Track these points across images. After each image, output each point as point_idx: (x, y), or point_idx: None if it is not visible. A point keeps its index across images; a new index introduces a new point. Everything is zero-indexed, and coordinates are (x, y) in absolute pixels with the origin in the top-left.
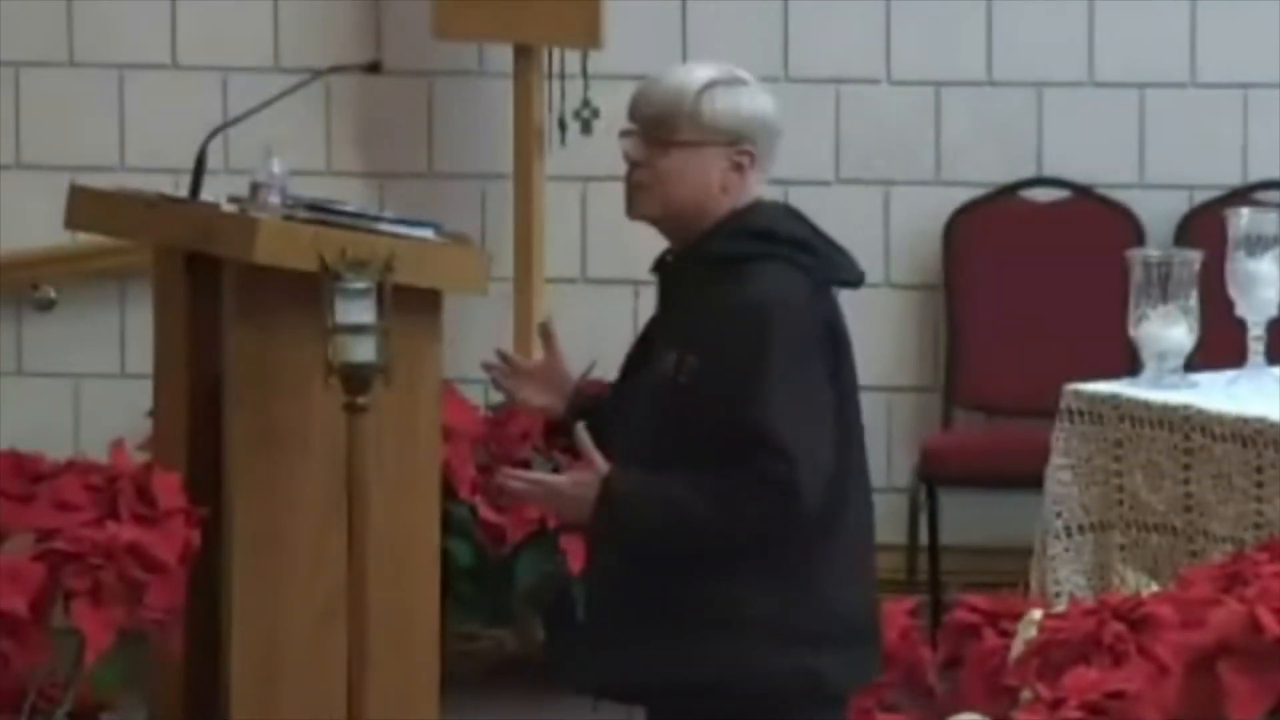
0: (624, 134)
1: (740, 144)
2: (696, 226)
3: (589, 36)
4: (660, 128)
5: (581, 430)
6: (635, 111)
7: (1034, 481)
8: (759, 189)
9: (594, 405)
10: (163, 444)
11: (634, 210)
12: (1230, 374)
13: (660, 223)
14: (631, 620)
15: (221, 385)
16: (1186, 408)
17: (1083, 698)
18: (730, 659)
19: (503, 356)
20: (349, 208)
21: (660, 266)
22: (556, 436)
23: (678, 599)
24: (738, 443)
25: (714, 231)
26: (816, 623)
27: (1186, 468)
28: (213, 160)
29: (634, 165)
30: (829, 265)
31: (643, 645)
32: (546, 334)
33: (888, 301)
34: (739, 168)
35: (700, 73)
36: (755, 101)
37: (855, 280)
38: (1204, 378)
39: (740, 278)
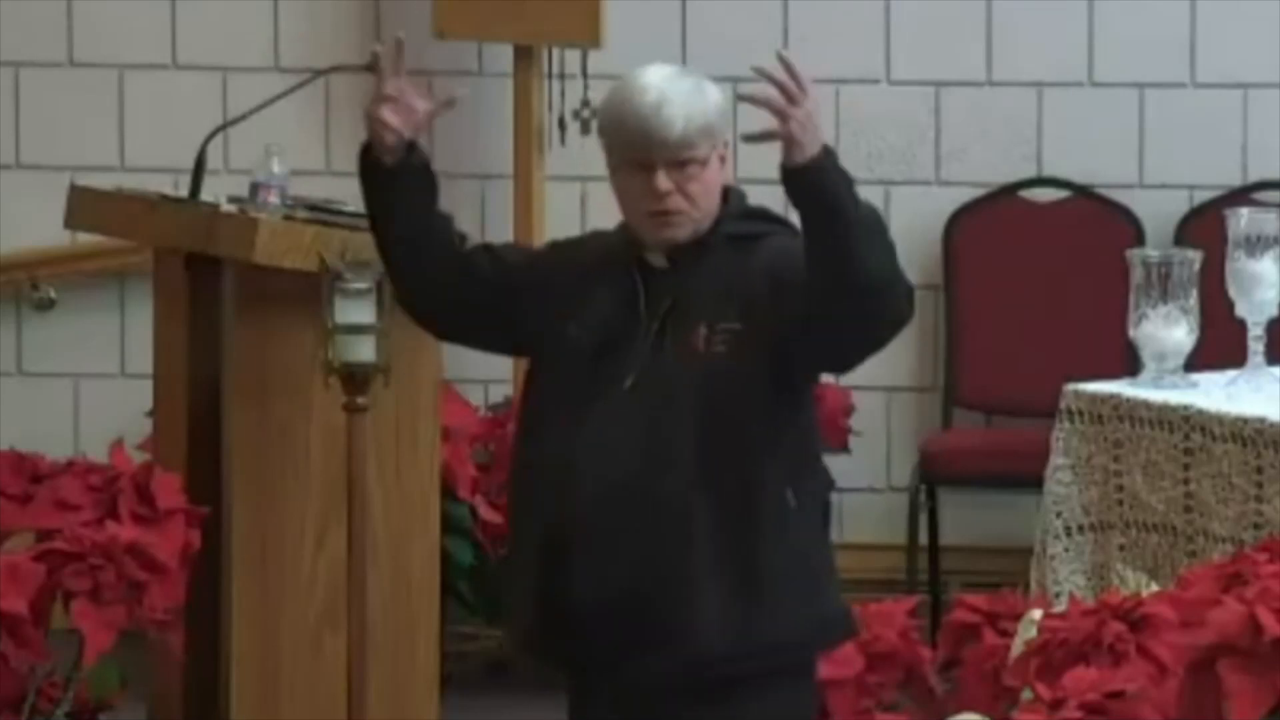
0: (640, 166)
1: (723, 137)
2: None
3: (589, 36)
4: (685, 152)
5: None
6: (648, 144)
7: (1034, 481)
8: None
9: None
10: (163, 444)
11: (677, 236)
12: (1230, 374)
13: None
14: (709, 588)
15: (221, 385)
16: (1186, 408)
17: (1083, 698)
18: (812, 609)
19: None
20: (349, 208)
21: (642, 264)
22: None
23: (758, 557)
24: None
25: (719, 218)
26: (834, 572)
27: (1186, 468)
28: (213, 160)
29: (664, 195)
30: None
31: (729, 608)
32: (392, 52)
33: None
34: (722, 160)
35: (681, 84)
36: (717, 93)
37: None
38: (1204, 378)
39: (762, 244)
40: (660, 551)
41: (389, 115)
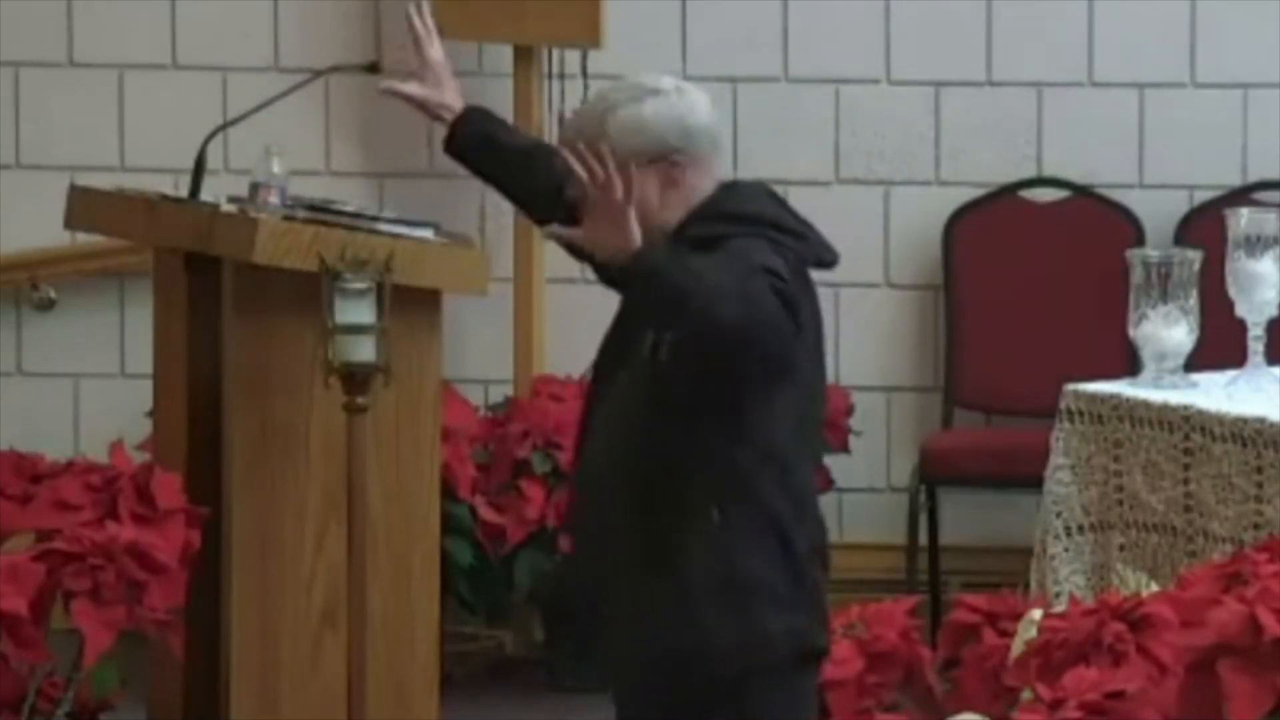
0: None
1: (664, 158)
2: (658, 236)
3: (589, 36)
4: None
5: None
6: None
7: (1034, 481)
8: (710, 184)
9: (486, 142)
10: (163, 444)
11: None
12: (1230, 374)
13: None
14: (634, 594)
15: (221, 385)
16: (1186, 408)
17: (1083, 698)
18: (733, 624)
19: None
20: (349, 208)
21: None
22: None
23: (677, 567)
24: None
25: (685, 223)
26: (795, 585)
27: (1186, 468)
28: (213, 160)
29: None
30: (804, 245)
31: (648, 617)
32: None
33: (888, 301)
34: (673, 181)
35: (610, 96)
36: (662, 110)
37: (831, 260)
38: (1204, 378)
39: (722, 248)
40: (596, 548)
41: (414, 90)
